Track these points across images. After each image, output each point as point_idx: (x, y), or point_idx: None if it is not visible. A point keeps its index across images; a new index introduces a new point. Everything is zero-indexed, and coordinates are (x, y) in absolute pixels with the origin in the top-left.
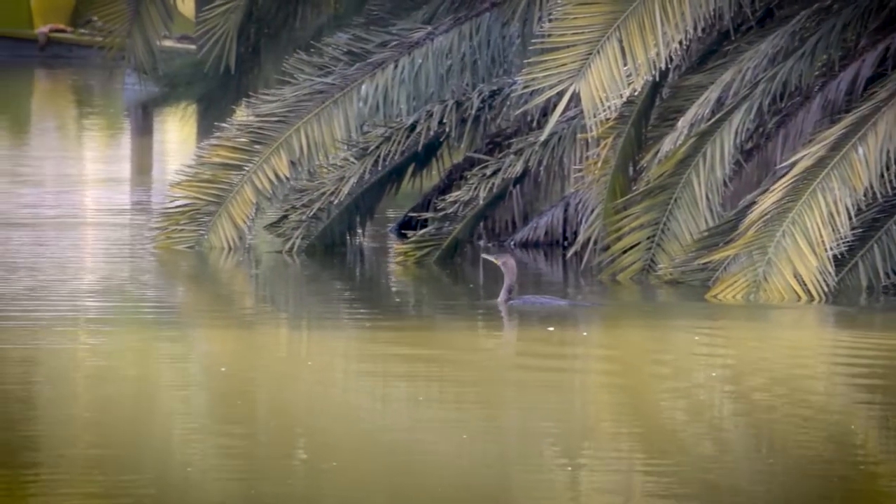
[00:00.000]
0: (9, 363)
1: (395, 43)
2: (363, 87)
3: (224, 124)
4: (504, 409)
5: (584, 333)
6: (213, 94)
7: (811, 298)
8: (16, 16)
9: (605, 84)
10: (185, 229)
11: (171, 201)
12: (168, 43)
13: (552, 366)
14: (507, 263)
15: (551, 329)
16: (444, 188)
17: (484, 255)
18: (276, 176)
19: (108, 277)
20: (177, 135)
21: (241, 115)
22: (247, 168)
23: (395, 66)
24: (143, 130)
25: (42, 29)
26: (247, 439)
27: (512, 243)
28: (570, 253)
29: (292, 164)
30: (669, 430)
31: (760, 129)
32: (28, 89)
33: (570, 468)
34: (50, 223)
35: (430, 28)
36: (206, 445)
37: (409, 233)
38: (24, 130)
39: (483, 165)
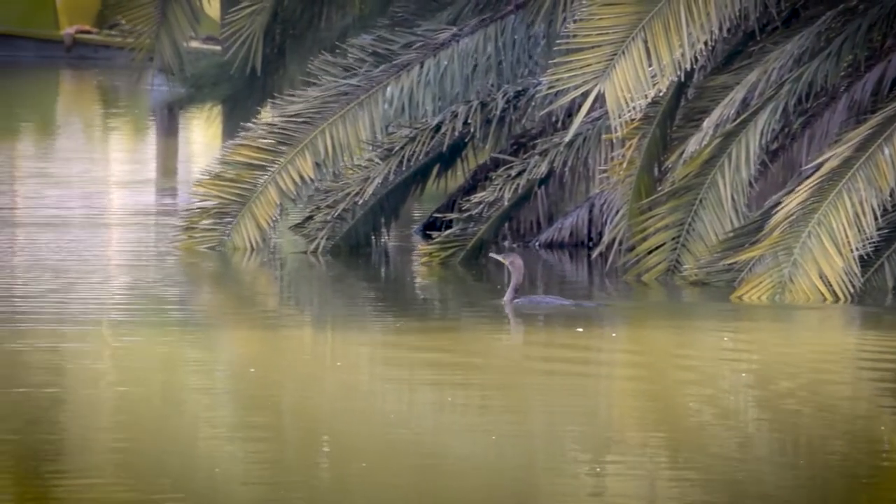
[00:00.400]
0: (35, 365)
1: (420, 44)
2: (388, 88)
3: (249, 124)
4: (530, 412)
5: (613, 335)
6: (239, 95)
7: (837, 299)
8: (42, 17)
9: (630, 85)
10: (209, 229)
11: (196, 201)
12: (194, 44)
13: (578, 368)
14: (514, 262)
15: (580, 330)
16: (469, 189)
17: (491, 255)
18: (301, 177)
19: (134, 278)
20: (202, 136)
21: (267, 115)
22: (271, 169)
23: (421, 68)
24: (169, 131)
25: (68, 30)
26: (273, 441)
27: (537, 244)
28: (595, 254)
29: (317, 165)
30: (696, 433)
31: (786, 130)
32: (54, 90)
33: (595, 472)
34: (76, 223)
35: (455, 29)
36: (233, 447)
37: (434, 233)
38: (51, 131)
39: (508, 166)
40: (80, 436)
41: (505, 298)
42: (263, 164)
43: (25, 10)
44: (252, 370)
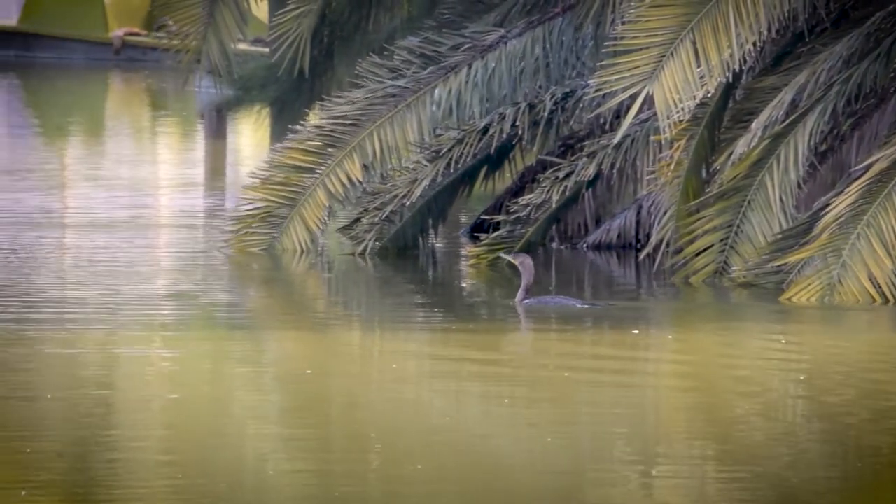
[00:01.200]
0: (86, 367)
1: (467, 46)
2: (436, 90)
3: (297, 126)
4: (578, 414)
5: (670, 336)
6: (286, 97)
7: (886, 301)
8: (91, 20)
9: (678, 86)
10: (258, 232)
11: (245, 204)
12: (242, 46)
13: (626, 368)
14: (524, 263)
15: (636, 332)
16: (517, 191)
17: (501, 255)
18: (349, 179)
19: (183, 281)
20: (250, 138)
21: (315, 118)
22: (319, 171)
23: (469, 70)
24: (217, 134)
25: (117, 32)
26: (323, 441)
27: (584, 246)
28: (642, 255)
29: (365, 167)
30: (744, 436)
31: (835, 131)
32: (103, 93)
33: (643, 475)
34: (125, 225)
35: (502, 31)
36: (284, 448)
37: (482, 235)
38: (100, 133)
39: (556, 168)
40: (130, 438)
41: (516, 299)
42: (312, 166)
43: (75, 12)
44: (308, 371)
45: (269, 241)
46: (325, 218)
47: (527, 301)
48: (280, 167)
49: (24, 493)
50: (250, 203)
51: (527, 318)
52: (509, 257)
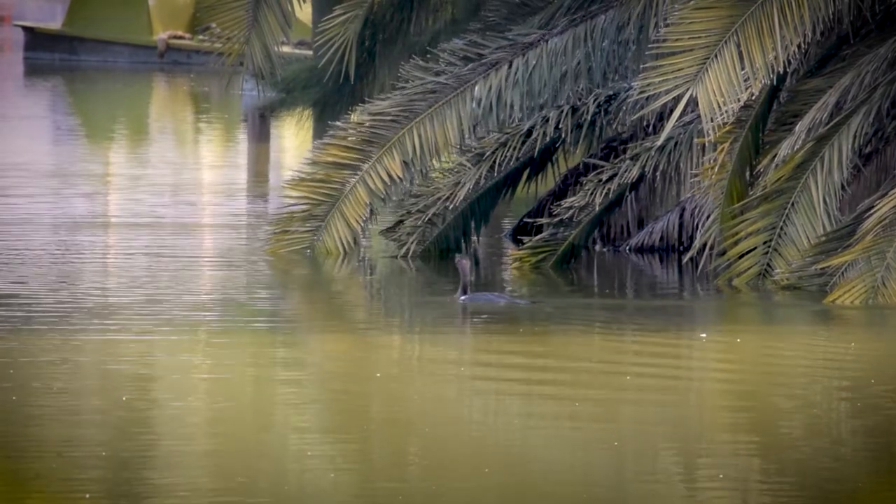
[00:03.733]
0: (129, 372)
1: (508, 43)
2: (476, 87)
3: (338, 123)
4: (620, 418)
5: (738, 340)
6: (329, 99)
7: None
8: (135, 23)
9: (722, 88)
10: (299, 230)
11: (286, 206)
12: (285, 48)
13: (669, 372)
14: (460, 263)
15: (703, 336)
16: (560, 193)
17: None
18: (389, 176)
19: (226, 285)
20: (293, 141)
21: (356, 118)
22: (360, 168)
23: (509, 67)
24: (261, 136)
25: (161, 36)
26: (363, 443)
27: (627, 248)
28: (686, 258)
29: (405, 164)
30: (788, 441)
31: (879, 133)
32: (147, 96)
33: (685, 480)
34: (168, 228)
35: (544, 30)
36: (324, 451)
37: (525, 238)
38: (143, 137)
39: (599, 171)
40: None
41: (456, 296)
42: (352, 163)
43: (119, 16)
44: (378, 374)
45: (311, 240)
46: (367, 216)
47: (463, 298)
48: (320, 164)
49: (87, 496)
50: (292, 201)
51: (579, 320)
52: (456, 257)
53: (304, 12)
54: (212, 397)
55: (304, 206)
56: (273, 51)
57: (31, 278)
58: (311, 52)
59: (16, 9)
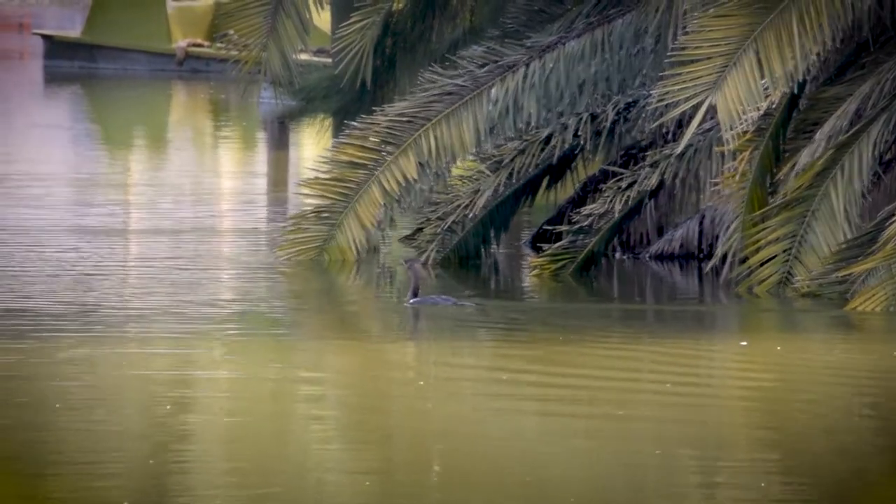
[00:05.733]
0: (150, 382)
1: (526, 46)
2: (493, 90)
3: (354, 123)
4: (641, 429)
5: (779, 348)
6: (349, 107)
7: None
8: (154, 31)
9: (741, 97)
10: (312, 229)
11: (302, 202)
12: (304, 56)
13: (690, 381)
14: (412, 267)
15: (744, 343)
16: (579, 201)
17: (403, 260)
18: (404, 177)
19: (244, 293)
20: (312, 149)
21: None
22: (375, 168)
23: (526, 69)
24: (280, 144)
25: (180, 43)
26: (383, 452)
27: (647, 256)
28: (707, 267)
29: (420, 165)
30: (808, 451)
31: None
32: (165, 103)
33: (703, 490)
34: (187, 236)
35: (561, 32)
36: (342, 458)
37: (544, 246)
38: (162, 144)
39: (618, 178)
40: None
41: (406, 300)
42: (367, 163)
43: (138, 24)
44: (421, 383)
45: (324, 239)
46: (381, 217)
47: (412, 301)
48: (336, 164)
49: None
50: (307, 199)
51: (598, 329)
52: (402, 263)
53: (323, 20)
54: (230, 408)
55: (318, 205)
56: (291, 58)
57: (50, 286)
58: (330, 61)
59: (35, 17)
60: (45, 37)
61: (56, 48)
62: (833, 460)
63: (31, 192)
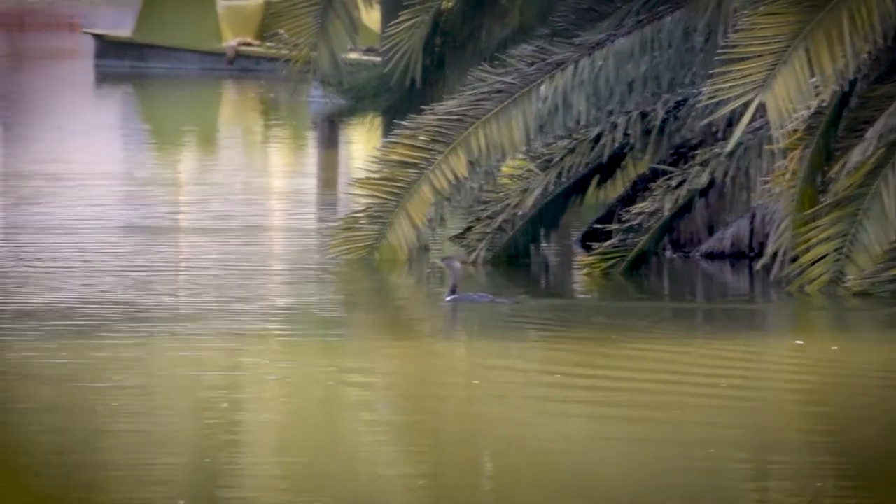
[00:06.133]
0: (200, 381)
1: (576, 44)
2: (542, 87)
3: (404, 122)
4: (695, 430)
5: (835, 348)
6: (398, 106)
7: None
8: (205, 30)
9: (791, 95)
10: (363, 227)
11: (353, 202)
12: (353, 55)
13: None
14: (451, 265)
15: (799, 342)
16: (629, 199)
17: (434, 260)
18: (454, 175)
19: (294, 292)
20: (362, 148)
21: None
22: (425, 166)
23: (575, 67)
24: (329, 143)
25: (230, 43)
26: (431, 449)
27: (697, 254)
28: (758, 266)
29: (470, 163)
30: (859, 451)
31: None
32: (216, 102)
33: (756, 493)
34: (237, 233)
35: (610, 30)
36: (395, 459)
37: (594, 244)
38: (213, 143)
39: (668, 176)
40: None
41: (444, 298)
42: (417, 161)
43: (188, 23)
44: (475, 382)
45: (376, 238)
46: (432, 216)
47: (449, 298)
48: (387, 163)
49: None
50: (357, 199)
51: (650, 326)
52: (439, 261)
53: (373, 19)
54: (281, 408)
55: (369, 204)
56: (340, 58)
57: (101, 285)
58: (379, 60)
59: (86, 17)
60: (95, 36)
61: (107, 48)
62: (890, 464)
63: (83, 192)
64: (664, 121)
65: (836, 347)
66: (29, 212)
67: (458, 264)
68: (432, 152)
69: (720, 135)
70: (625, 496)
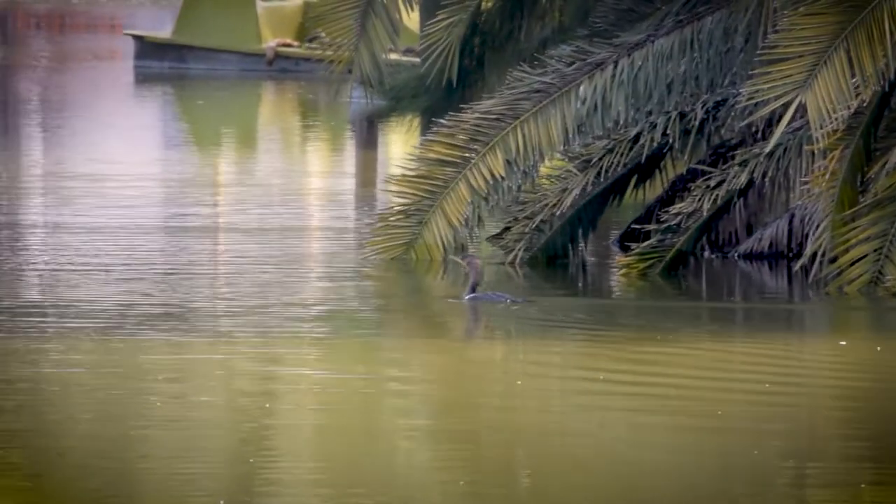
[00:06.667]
0: (245, 383)
1: (616, 44)
2: (581, 87)
3: (442, 121)
4: (732, 432)
5: (878, 349)
6: (437, 106)
7: None
8: (244, 32)
9: (831, 95)
10: (399, 226)
11: (389, 200)
12: (393, 56)
13: (790, 381)
14: (471, 263)
15: (843, 343)
16: (667, 200)
17: (451, 257)
18: (492, 174)
19: (332, 293)
20: (400, 148)
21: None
22: (462, 165)
23: (615, 67)
24: (368, 144)
25: (270, 44)
26: (471, 452)
27: (735, 255)
28: (797, 266)
29: (508, 163)
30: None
31: None
32: (255, 103)
33: (790, 492)
34: (276, 235)
35: (650, 30)
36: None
37: (632, 244)
38: (252, 143)
39: (707, 177)
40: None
41: (464, 296)
42: (455, 160)
43: (228, 24)
44: (518, 382)
45: (412, 238)
46: (468, 215)
47: (469, 296)
48: (424, 161)
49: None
50: (394, 198)
51: (688, 327)
52: (458, 259)
53: (413, 20)
54: (321, 407)
55: (406, 203)
56: (381, 59)
57: (141, 285)
58: (419, 60)
59: (128, 18)
60: (135, 37)
61: (146, 49)
62: None
63: (123, 193)
64: (703, 121)
65: (879, 348)
66: (70, 212)
67: (478, 262)
68: (470, 151)
69: (759, 135)
70: (666, 499)
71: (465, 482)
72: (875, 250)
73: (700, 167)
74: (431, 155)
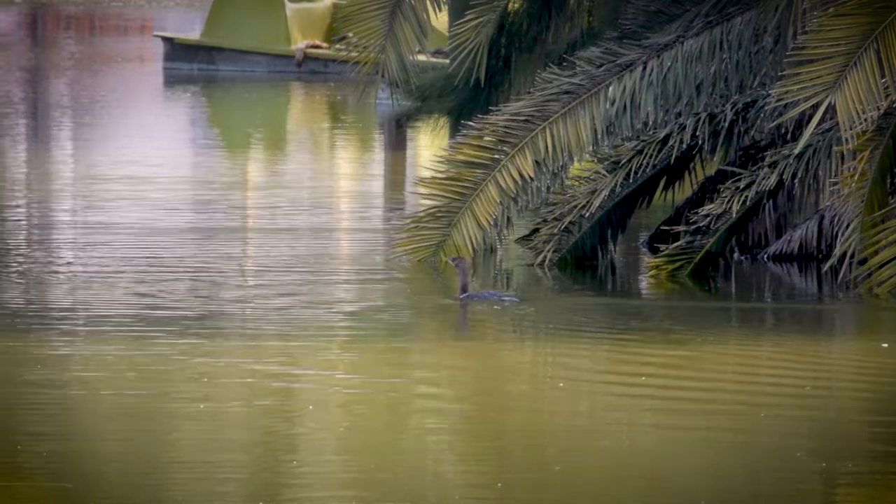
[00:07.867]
0: (273, 385)
1: (645, 45)
2: (610, 89)
3: (471, 123)
4: (757, 433)
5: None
6: (465, 107)
7: None
8: (273, 33)
9: (861, 96)
10: (428, 228)
11: (418, 202)
12: (421, 57)
13: (807, 382)
14: (459, 265)
15: (885, 345)
16: (696, 201)
17: (447, 259)
18: (521, 176)
19: (362, 295)
20: (429, 149)
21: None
22: (491, 167)
23: (644, 69)
24: (397, 144)
25: (299, 45)
26: (498, 454)
27: (765, 256)
28: (826, 267)
29: (537, 164)
30: None
31: None
32: (284, 104)
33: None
34: (304, 234)
35: (679, 31)
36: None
37: (661, 246)
38: (281, 145)
39: (736, 178)
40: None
41: (458, 296)
42: (484, 162)
43: (257, 26)
44: (561, 385)
45: (440, 239)
46: (497, 216)
47: (462, 296)
48: (453, 163)
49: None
50: (423, 199)
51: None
52: (448, 259)
53: (441, 21)
54: (351, 410)
55: (435, 204)
56: (408, 60)
57: (170, 287)
58: (447, 61)
59: (157, 19)
60: (165, 39)
61: (176, 50)
62: None
63: (153, 195)
64: (732, 122)
65: None
66: (99, 214)
67: (466, 264)
68: (499, 153)
69: (789, 136)
70: (695, 501)
71: (497, 485)
72: None
73: (729, 168)
74: (460, 157)
